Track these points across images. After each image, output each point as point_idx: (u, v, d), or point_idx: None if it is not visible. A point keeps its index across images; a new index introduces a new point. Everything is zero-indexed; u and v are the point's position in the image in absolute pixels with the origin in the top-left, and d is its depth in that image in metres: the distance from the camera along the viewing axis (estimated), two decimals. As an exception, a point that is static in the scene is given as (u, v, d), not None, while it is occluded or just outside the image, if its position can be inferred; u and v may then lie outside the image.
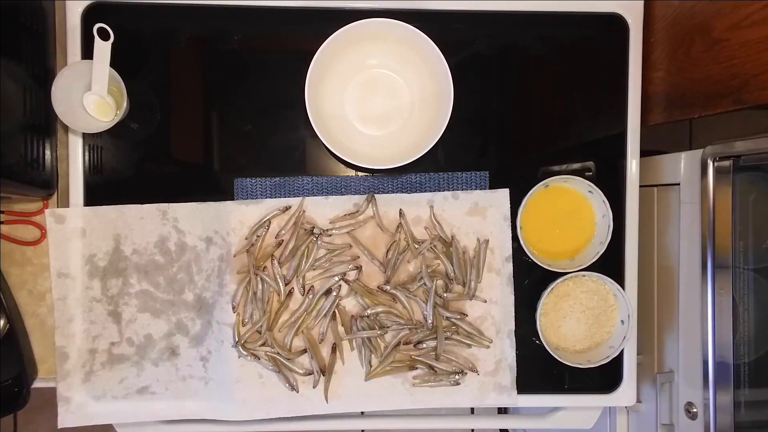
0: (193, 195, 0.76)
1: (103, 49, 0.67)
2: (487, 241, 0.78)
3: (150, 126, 0.76)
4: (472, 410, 0.96)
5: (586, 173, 0.79)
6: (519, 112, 0.80)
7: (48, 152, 0.74)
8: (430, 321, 0.76)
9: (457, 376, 0.77)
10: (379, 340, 0.77)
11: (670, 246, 0.81)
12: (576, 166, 0.79)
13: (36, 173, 0.72)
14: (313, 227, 0.76)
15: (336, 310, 0.77)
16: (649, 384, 0.85)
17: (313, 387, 0.77)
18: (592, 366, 0.76)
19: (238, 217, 0.76)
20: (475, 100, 0.78)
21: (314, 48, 0.70)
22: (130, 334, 0.76)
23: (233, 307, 0.76)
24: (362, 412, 0.79)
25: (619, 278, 0.78)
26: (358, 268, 0.76)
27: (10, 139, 0.67)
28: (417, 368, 0.77)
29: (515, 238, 0.77)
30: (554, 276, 0.76)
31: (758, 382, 0.74)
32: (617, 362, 0.79)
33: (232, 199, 0.77)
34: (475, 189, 0.78)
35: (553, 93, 0.80)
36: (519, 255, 0.78)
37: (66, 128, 0.74)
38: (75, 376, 0.75)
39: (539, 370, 0.80)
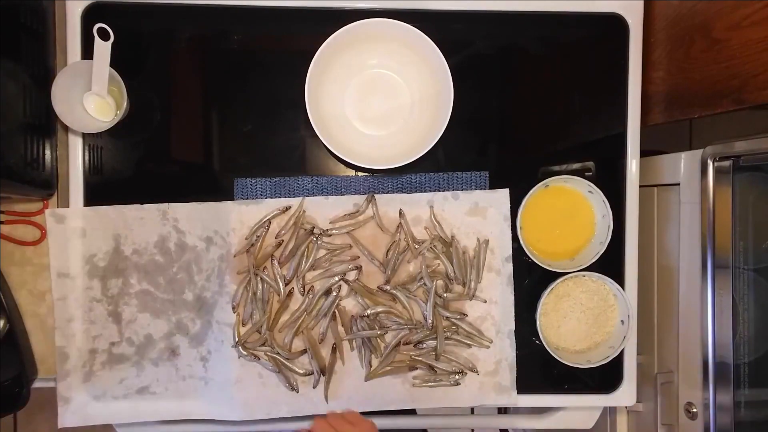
0: (193, 195, 0.76)
1: (103, 49, 0.67)
2: (487, 241, 0.78)
3: (150, 126, 0.77)
4: (472, 410, 0.96)
5: (586, 173, 0.79)
6: (519, 112, 0.80)
7: (48, 152, 0.74)
8: (430, 321, 0.76)
9: (457, 376, 0.77)
10: (379, 340, 0.77)
11: (670, 246, 0.81)
12: (576, 166, 0.79)
13: (36, 173, 0.72)
14: (313, 227, 0.76)
15: (336, 310, 0.77)
16: (649, 384, 0.85)
17: (313, 387, 0.77)
18: (592, 366, 0.76)
19: (238, 217, 0.76)
20: (475, 100, 0.78)
21: (314, 48, 0.70)
22: (130, 334, 0.76)
23: (233, 307, 0.76)
24: (362, 413, 0.79)
25: (619, 278, 0.78)
26: (358, 268, 0.76)
27: (10, 139, 0.67)
28: (417, 368, 0.77)
29: (515, 238, 0.77)
30: (554, 276, 0.76)
31: (758, 382, 0.74)
32: (617, 362, 0.79)
33: (232, 199, 0.77)
34: (475, 189, 0.78)
35: (553, 93, 0.80)
36: (519, 255, 0.78)
37: (66, 128, 0.74)
38: (75, 376, 0.75)
39: (539, 370, 0.80)
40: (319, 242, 0.76)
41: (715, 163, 0.71)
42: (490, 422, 0.90)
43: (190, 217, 0.76)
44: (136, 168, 0.76)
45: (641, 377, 0.81)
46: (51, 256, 0.74)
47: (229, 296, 0.76)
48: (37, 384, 0.77)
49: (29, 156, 0.71)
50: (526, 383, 0.79)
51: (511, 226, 0.78)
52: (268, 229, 0.76)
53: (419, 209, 0.77)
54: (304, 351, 0.76)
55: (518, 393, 0.79)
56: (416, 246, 0.77)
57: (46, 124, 0.74)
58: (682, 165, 0.78)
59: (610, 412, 0.91)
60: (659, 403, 0.83)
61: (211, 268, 0.76)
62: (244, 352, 0.76)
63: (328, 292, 0.76)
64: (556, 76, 0.80)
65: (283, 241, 0.76)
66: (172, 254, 0.76)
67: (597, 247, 0.76)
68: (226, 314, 0.76)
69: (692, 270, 0.76)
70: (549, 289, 0.77)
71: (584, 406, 0.82)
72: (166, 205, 0.75)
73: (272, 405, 0.77)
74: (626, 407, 0.88)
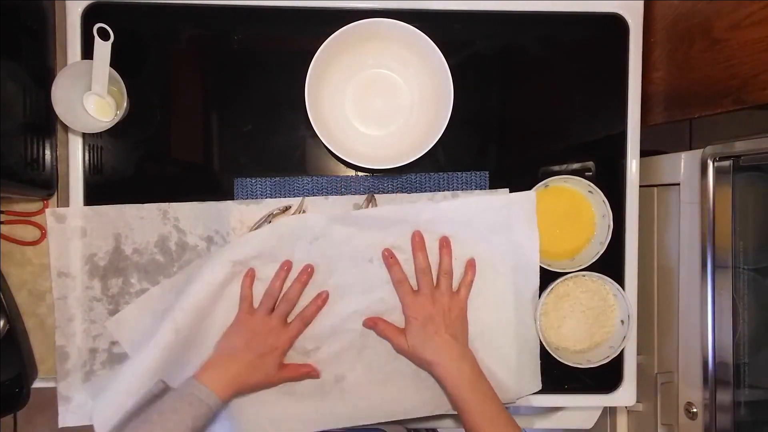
0: (193, 195, 0.76)
1: (103, 49, 0.67)
2: (487, 241, 0.78)
3: (150, 126, 0.77)
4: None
5: (586, 173, 0.79)
6: (519, 112, 0.80)
7: (48, 152, 0.74)
8: (430, 321, 0.75)
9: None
10: (379, 340, 0.77)
11: (670, 246, 0.81)
12: (576, 166, 0.79)
13: (36, 173, 0.72)
14: (313, 227, 0.76)
15: (336, 310, 0.77)
16: (649, 384, 0.85)
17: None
18: (592, 366, 0.76)
19: (238, 217, 0.76)
20: (475, 100, 0.78)
21: (314, 48, 0.70)
22: (130, 334, 0.76)
23: (233, 307, 0.76)
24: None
25: (619, 278, 0.78)
26: (358, 268, 0.76)
27: (10, 139, 0.67)
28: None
29: (515, 238, 0.77)
30: (554, 276, 0.76)
31: (758, 382, 0.74)
32: (617, 362, 0.79)
33: (232, 199, 0.77)
34: (475, 189, 0.78)
35: (552, 93, 0.80)
36: (519, 255, 0.78)
37: (66, 128, 0.74)
38: (75, 375, 0.75)
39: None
40: (319, 242, 0.76)
41: (715, 163, 0.71)
42: (490, 422, 0.89)
43: (191, 217, 0.76)
44: (136, 168, 0.76)
45: (641, 377, 0.81)
46: (51, 256, 0.74)
47: (229, 296, 0.76)
48: (37, 384, 0.77)
49: (29, 156, 0.71)
50: (526, 383, 0.79)
51: (511, 226, 0.78)
52: (268, 229, 0.76)
53: (419, 209, 0.77)
54: (304, 351, 0.76)
55: (518, 393, 0.79)
56: (416, 246, 0.76)
57: (46, 124, 0.74)
58: (682, 165, 0.78)
59: (610, 412, 0.91)
60: (659, 403, 0.83)
61: (211, 268, 0.76)
62: (244, 352, 0.75)
63: (328, 292, 0.76)
64: (556, 76, 0.80)
65: (283, 241, 0.76)
66: (172, 254, 0.76)
67: (597, 247, 0.76)
68: (226, 314, 0.76)
69: (692, 270, 0.76)
70: (549, 289, 0.77)
71: (584, 406, 0.82)
72: (166, 204, 0.75)
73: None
74: (626, 407, 0.88)
